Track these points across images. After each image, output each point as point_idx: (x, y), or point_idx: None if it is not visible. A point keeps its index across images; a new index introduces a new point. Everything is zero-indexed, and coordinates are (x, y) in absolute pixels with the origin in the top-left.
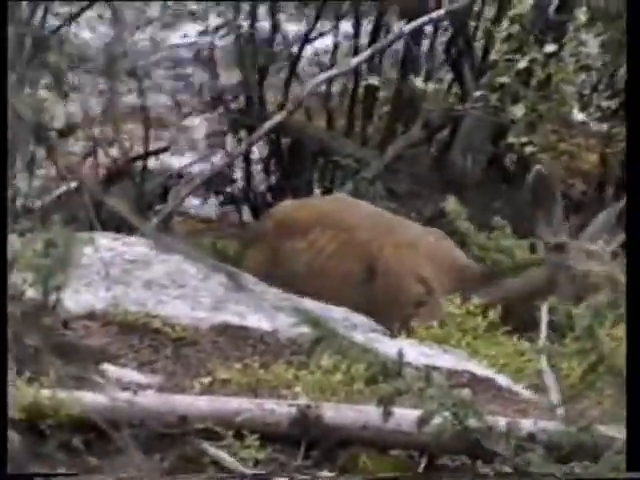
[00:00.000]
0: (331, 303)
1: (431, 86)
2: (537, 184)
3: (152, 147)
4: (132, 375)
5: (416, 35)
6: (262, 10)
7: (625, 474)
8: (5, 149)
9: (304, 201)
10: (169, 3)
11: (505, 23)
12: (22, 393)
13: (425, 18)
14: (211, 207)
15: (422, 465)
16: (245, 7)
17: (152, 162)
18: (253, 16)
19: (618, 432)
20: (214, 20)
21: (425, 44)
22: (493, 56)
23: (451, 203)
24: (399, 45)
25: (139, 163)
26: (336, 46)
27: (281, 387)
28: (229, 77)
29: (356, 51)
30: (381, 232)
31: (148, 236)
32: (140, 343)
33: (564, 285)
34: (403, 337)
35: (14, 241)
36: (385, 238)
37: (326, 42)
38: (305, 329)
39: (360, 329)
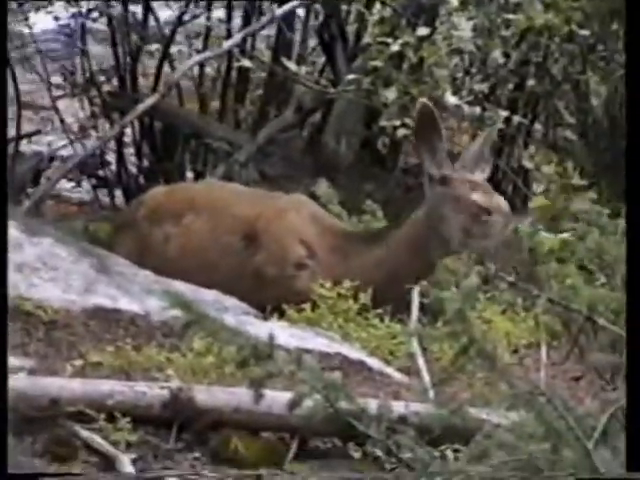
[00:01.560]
0: (210, 281)
1: (304, 69)
2: (422, 118)
3: (24, 130)
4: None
5: (289, 18)
6: None
7: (625, 474)
8: (5, 149)
9: (175, 187)
10: None
11: (377, 6)
12: None
13: (297, 1)
14: (84, 190)
15: (293, 447)
16: None
17: (24, 145)
18: None
19: (487, 415)
20: (86, 2)
21: (298, 27)
22: (366, 39)
23: (322, 186)
24: (272, 28)
25: (10, 146)
26: (209, 29)
27: (153, 370)
28: (101, 60)
29: (229, 34)
30: (257, 203)
31: (17, 220)
32: (12, 326)
33: (451, 219)
34: (275, 319)
35: None
36: (263, 207)
37: (199, 25)
38: (176, 312)
39: (232, 311)
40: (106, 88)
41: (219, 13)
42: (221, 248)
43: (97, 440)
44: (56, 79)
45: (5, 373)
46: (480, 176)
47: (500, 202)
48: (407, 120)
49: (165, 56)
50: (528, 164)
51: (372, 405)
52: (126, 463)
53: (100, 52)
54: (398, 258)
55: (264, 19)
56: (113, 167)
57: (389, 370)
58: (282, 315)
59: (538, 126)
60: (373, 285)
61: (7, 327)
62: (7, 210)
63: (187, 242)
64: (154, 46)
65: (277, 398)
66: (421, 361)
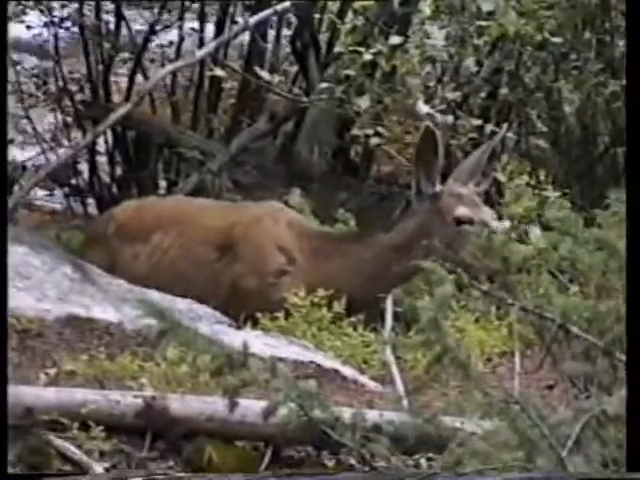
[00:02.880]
0: (185, 295)
1: (276, 78)
2: (424, 141)
3: None
4: None
5: (261, 27)
6: (107, 2)
7: (625, 474)
8: (5, 149)
9: (144, 203)
10: None
11: (350, 15)
12: None
13: (270, 10)
14: (57, 199)
15: (267, 456)
16: None
17: None
18: (98, 7)
19: (461, 423)
20: (59, 11)
21: (271, 36)
22: (338, 48)
23: (295, 195)
24: (245, 37)
25: None
26: (181, 38)
27: (127, 378)
28: (74, 69)
29: (201, 43)
30: (229, 214)
31: None
32: None
33: (436, 231)
34: (249, 328)
35: None
36: (236, 217)
37: (172, 34)
38: (150, 321)
39: (205, 320)
40: (79, 97)
41: (192, 22)
42: (194, 261)
43: (71, 449)
44: (29, 88)
45: (5, 374)
46: (473, 189)
47: (485, 215)
48: (380, 129)
49: (138, 65)
50: (501, 173)
51: (346, 414)
52: (100, 472)
53: (73, 61)
54: (382, 261)
55: (237, 28)
56: (86, 176)
57: (363, 379)
58: (256, 324)
59: (511, 135)
60: (353, 287)
61: (7, 328)
62: (7, 216)
63: (157, 259)
64: (127, 55)
65: (251, 407)
66: (395, 370)
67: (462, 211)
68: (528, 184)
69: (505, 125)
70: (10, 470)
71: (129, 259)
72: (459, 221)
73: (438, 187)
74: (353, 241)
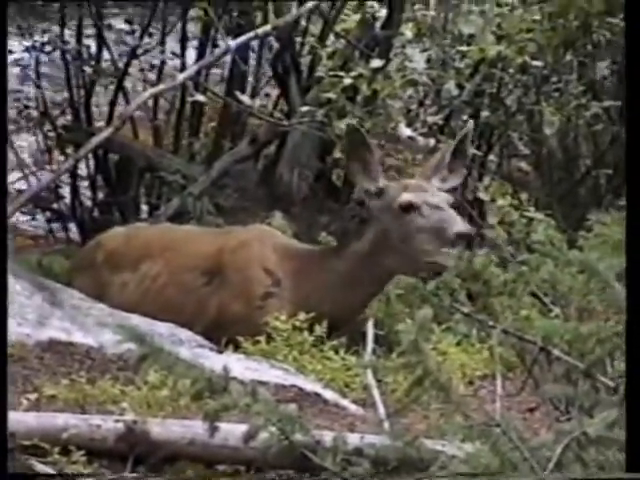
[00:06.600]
0: (173, 322)
1: (257, 102)
2: (351, 139)
3: None
4: None
5: (242, 51)
6: (88, 27)
7: (625, 474)
8: (5, 149)
9: (131, 231)
10: None
11: (331, 39)
12: None
13: (251, 34)
14: (38, 223)
15: None
16: (72, 23)
17: None
18: (79, 32)
19: (443, 446)
20: (39, 36)
21: (252, 60)
22: (319, 72)
23: (277, 218)
24: (226, 61)
25: None
26: (162, 62)
27: (108, 403)
28: (55, 93)
29: (183, 67)
30: (215, 239)
31: None
32: None
33: (389, 226)
34: (230, 352)
35: None
36: (223, 241)
37: (153, 58)
38: (131, 345)
39: (186, 344)
40: (60, 121)
41: (173, 46)
42: (182, 287)
43: (51, 473)
44: (11, 113)
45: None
46: (437, 184)
47: (433, 198)
48: None
49: (119, 89)
50: (483, 195)
51: (327, 437)
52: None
53: (54, 86)
54: (357, 270)
55: (218, 52)
56: (67, 200)
57: (344, 402)
58: (237, 347)
59: (492, 157)
60: (334, 301)
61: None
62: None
63: (146, 287)
64: (108, 79)
65: (232, 431)
66: (376, 393)
67: (405, 197)
68: (511, 205)
69: (471, 121)
70: None
71: (118, 287)
72: (405, 209)
73: (382, 182)
74: (331, 255)
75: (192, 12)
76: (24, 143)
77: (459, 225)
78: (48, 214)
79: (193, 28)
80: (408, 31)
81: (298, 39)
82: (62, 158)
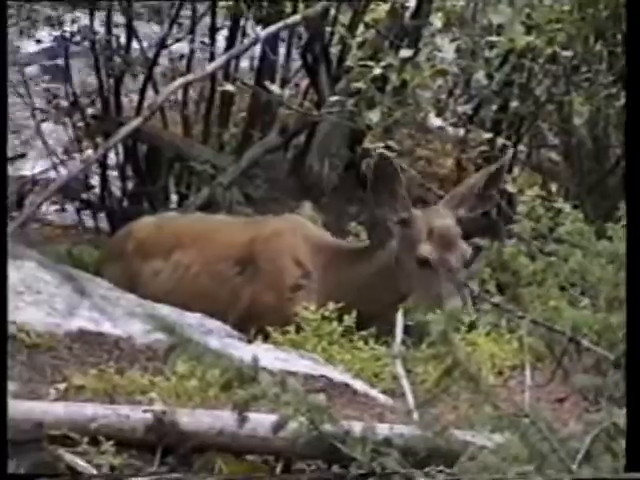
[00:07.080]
0: (205, 311)
1: (287, 92)
2: (380, 169)
3: (8, 154)
4: None
5: (272, 41)
6: (118, 16)
7: (625, 474)
8: (5, 149)
9: (162, 220)
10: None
11: (360, 29)
12: None
13: (281, 24)
14: (68, 214)
15: (277, 470)
16: (101, 13)
17: (8, 169)
18: (108, 22)
19: (472, 437)
20: (69, 26)
21: (281, 50)
22: (349, 62)
23: (306, 209)
24: (256, 50)
25: None
26: (192, 52)
27: (136, 393)
28: (85, 83)
29: (212, 57)
30: (247, 229)
31: None
32: None
33: (404, 264)
34: (259, 342)
35: None
36: (255, 231)
37: (182, 48)
38: (160, 335)
39: (215, 334)
40: (90, 111)
41: (203, 36)
42: (215, 276)
43: (80, 464)
44: (40, 103)
45: (5, 375)
46: (462, 215)
47: (451, 258)
48: (390, 142)
49: (148, 79)
50: (511, 188)
51: (356, 427)
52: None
53: (84, 76)
54: (383, 274)
55: (247, 42)
56: (97, 190)
57: (373, 392)
58: (266, 338)
59: (522, 147)
60: (362, 300)
61: (7, 328)
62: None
63: (179, 276)
64: (137, 69)
65: (261, 421)
66: (405, 383)
67: (424, 250)
68: (539, 196)
69: (510, 152)
70: None
71: (149, 276)
72: (421, 262)
73: (406, 213)
74: (360, 256)
75: (222, 2)
76: (54, 133)
77: (453, 302)
78: (78, 204)
79: (222, 18)
80: (437, 21)
81: (328, 29)
82: (91, 148)
